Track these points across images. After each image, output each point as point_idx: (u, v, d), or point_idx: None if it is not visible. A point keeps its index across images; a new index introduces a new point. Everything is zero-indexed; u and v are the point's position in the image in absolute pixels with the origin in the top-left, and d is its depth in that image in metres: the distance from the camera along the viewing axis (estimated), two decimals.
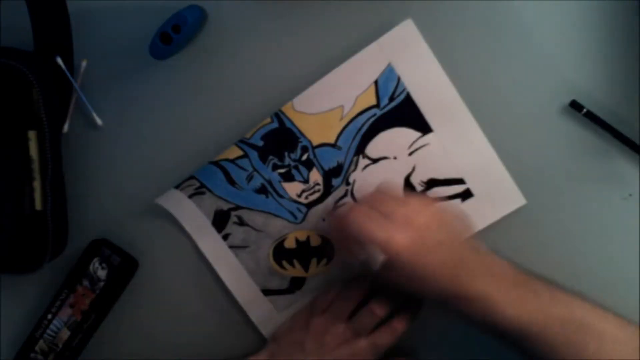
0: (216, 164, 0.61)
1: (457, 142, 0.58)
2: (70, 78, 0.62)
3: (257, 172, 0.60)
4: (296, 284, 0.62)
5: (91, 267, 0.64)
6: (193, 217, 0.62)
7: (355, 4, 0.58)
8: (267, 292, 0.63)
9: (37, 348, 0.66)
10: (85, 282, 0.64)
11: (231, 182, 0.61)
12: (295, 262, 0.62)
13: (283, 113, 0.59)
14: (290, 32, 0.59)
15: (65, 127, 0.64)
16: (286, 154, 0.60)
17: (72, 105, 0.64)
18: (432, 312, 0.59)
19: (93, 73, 0.63)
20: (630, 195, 0.56)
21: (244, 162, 0.60)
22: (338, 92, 0.58)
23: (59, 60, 0.61)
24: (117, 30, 0.62)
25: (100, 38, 0.63)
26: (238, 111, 0.61)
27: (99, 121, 0.63)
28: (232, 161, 0.61)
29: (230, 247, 0.62)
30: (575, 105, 0.55)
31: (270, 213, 0.61)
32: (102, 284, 0.64)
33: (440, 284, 0.50)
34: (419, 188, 0.59)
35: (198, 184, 0.61)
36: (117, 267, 0.64)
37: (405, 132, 0.58)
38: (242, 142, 0.60)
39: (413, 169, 0.58)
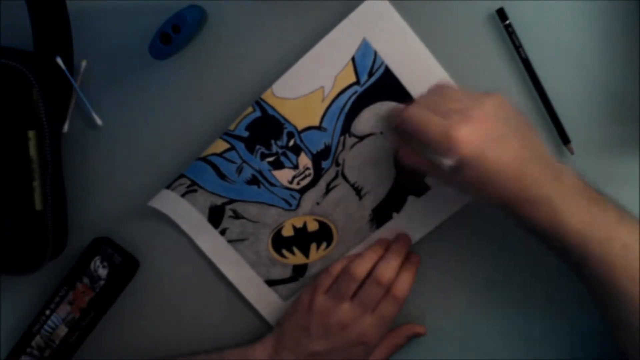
0: (204, 159, 0.61)
1: None
2: (70, 78, 0.62)
3: (246, 163, 0.61)
4: (298, 272, 0.63)
5: (92, 265, 0.64)
6: (188, 215, 0.62)
7: None
8: (270, 282, 0.63)
9: (33, 343, 0.66)
10: (86, 280, 0.65)
11: (221, 176, 0.61)
12: (295, 249, 0.62)
13: (264, 100, 0.59)
14: (291, 32, 0.59)
15: (65, 127, 0.64)
16: (272, 141, 0.60)
17: (72, 105, 0.64)
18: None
19: (93, 73, 0.63)
20: None
21: (232, 155, 0.61)
22: (316, 73, 0.58)
23: (59, 60, 0.61)
24: (117, 30, 0.62)
25: (100, 38, 0.63)
26: (239, 110, 0.61)
27: (99, 121, 0.63)
28: (220, 155, 0.61)
29: (229, 241, 0.63)
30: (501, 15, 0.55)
31: (264, 203, 0.61)
32: (102, 282, 0.64)
33: (507, 182, 0.46)
34: None
35: (189, 182, 0.61)
36: (118, 267, 0.64)
37: (389, 106, 0.58)
38: (228, 135, 0.60)
39: None
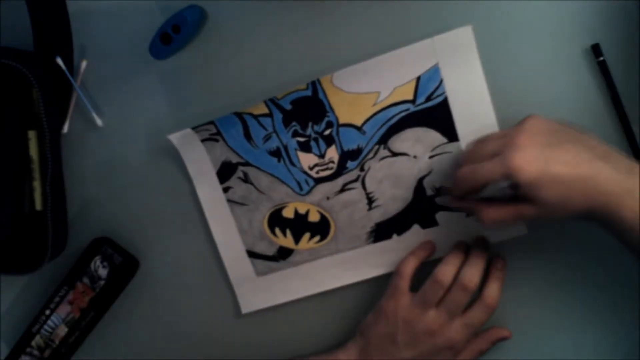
0: (239, 115, 0.61)
1: None
2: (70, 78, 0.62)
3: (276, 134, 0.60)
4: (282, 254, 0.63)
5: (92, 265, 0.64)
6: (199, 161, 0.62)
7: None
8: (251, 254, 0.63)
9: (33, 343, 0.66)
10: (86, 280, 0.65)
11: (248, 137, 0.61)
12: (288, 232, 0.62)
13: (320, 83, 0.59)
14: (290, 32, 0.59)
15: (65, 127, 0.64)
16: (310, 124, 0.60)
17: (72, 105, 0.64)
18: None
19: (93, 73, 0.63)
20: None
21: (266, 121, 0.60)
22: (379, 77, 0.58)
23: (59, 60, 0.61)
24: (117, 30, 0.62)
25: (100, 38, 0.63)
26: (238, 110, 0.61)
27: (99, 121, 0.64)
28: (255, 117, 0.60)
29: (228, 200, 0.63)
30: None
31: (277, 178, 0.61)
32: (102, 282, 0.64)
33: (583, 184, 0.46)
34: (429, 192, 0.59)
35: (214, 130, 0.61)
36: (119, 267, 0.64)
37: (432, 135, 0.58)
38: (271, 101, 0.60)
39: (429, 172, 0.58)
